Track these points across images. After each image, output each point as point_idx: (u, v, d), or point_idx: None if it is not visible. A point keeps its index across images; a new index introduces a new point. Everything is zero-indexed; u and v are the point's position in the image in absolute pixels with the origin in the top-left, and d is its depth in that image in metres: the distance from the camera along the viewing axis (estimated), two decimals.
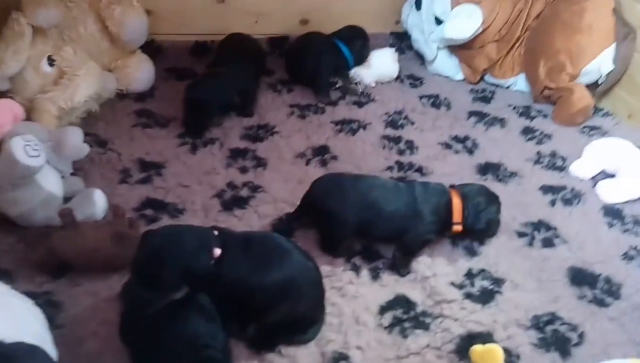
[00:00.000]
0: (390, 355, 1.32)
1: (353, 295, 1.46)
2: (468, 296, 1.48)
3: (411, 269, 1.54)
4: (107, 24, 2.06)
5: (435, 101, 2.36)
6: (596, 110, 2.34)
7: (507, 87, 2.52)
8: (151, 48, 2.33)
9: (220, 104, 2.04)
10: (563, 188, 1.90)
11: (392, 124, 2.18)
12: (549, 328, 1.41)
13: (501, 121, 2.25)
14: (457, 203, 1.56)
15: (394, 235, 1.55)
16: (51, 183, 1.53)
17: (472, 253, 1.62)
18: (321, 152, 1.97)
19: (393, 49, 2.49)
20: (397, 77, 2.47)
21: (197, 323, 1.17)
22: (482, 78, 2.54)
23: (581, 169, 1.95)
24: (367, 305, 1.43)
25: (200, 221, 1.61)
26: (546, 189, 1.89)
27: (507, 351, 1.33)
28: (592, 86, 2.34)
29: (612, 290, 1.53)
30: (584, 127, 2.26)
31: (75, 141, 1.63)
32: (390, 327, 1.38)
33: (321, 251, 1.56)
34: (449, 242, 1.64)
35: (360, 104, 2.29)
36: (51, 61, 1.90)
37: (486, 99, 2.42)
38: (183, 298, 1.20)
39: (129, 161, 1.84)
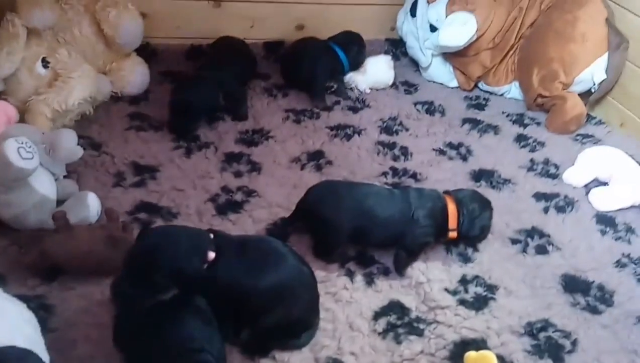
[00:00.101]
0: (384, 361, 1.31)
1: (347, 300, 1.45)
2: (462, 302, 1.48)
3: (406, 274, 1.54)
4: (102, 26, 2.05)
5: (430, 108, 2.36)
6: (589, 118, 2.36)
7: (501, 95, 2.53)
8: (146, 51, 2.32)
9: (204, 107, 2.03)
10: (556, 195, 1.91)
11: (387, 130, 2.18)
12: (542, 335, 1.41)
13: (495, 128, 2.27)
14: (452, 209, 1.56)
15: (390, 241, 1.56)
16: (44, 185, 1.52)
17: (466, 259, 1.62)
18: (316, 157, 1.97)
19: (389, 57, 2.49)
20: (393, 84, 2.48)
21: (194, 325, 1.16)
22: (476, 85, 2.56)
23: (574, 176, 1.96)
24: (361, 310, 1.43)
25: (194, 226, 1.60)
26: (539, 196, 1.90)
27: (500, 358, 1.33)
28: (585, 95, 2.36)
29: (605, 298, 1.54)
30: (577, 135, 2.27)
31: (69, 144, 1.61)
32: (384, 333, 1.38)
33: (315, 257, 1.56)
34: (443, 248, 1.64)
35: (355, 110, 2.29)
36: (45, 63, 1.90)
37: (480, 106, 2.44)
38: (180, 299, 1.20)
39: (123, 164, 1.83)
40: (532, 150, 2.16)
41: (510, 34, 2.41)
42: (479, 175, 1.97)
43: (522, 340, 1.40)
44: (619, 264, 1.66)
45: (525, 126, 2.31)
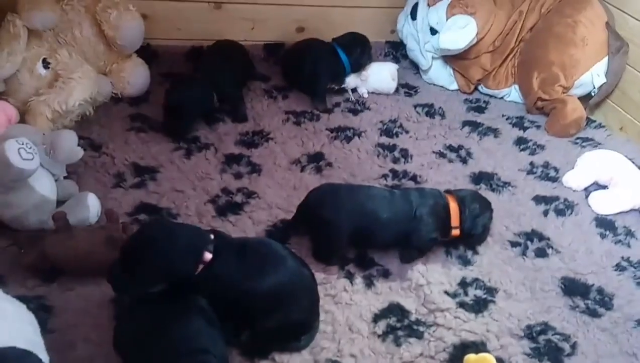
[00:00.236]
0: None
1: (347, 302, 1.45)
2: (461, 305, 1.48)
3: (406, 276, 1.55)
4: (103, 27, 2.05)
5: (430, 110, 2.37)
6: (589, 122, 2.37)
7: (501, 98, 2.53)
8: (147, 52, 2.32)
9: (198, 108, 2.03)
10: (556, 198, 1.91)
11: (387, 132, 2.18)
12: (541, 338, 1.42)
13: (495, 131, 2.27)
14: (454, 207, 1.57)
15: (394, 241, 1.58)
16: (45, 186, 1.52)
17: (465, 262, 1.62)
18: (316, 159, 1.97)
19: (395, 66, 2.46)
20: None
21: (199, 325, 1.16)
22: (476, 88, 2.56)
23: (574, 180, 1.97)
24: (360, 312, 1.43)
25: None
26: (539, 199, 1.90)
27: (500, 360, 1.34)
28: (585, 98, 2.37)
29: (605, 301, 1.54)
30: (577, 138, 2.28)
31: (70, 145, 1.61)
32: (383, 335, 1.38)
33: (315, 260, 1.56)
34: (443, 251, 1.64)
35: (355, 112, 2.30)
36: (46, 64, 1.90)
37: (480, 109, 2.44)
38: (184, 299, 1.20)
39: (123, 165, 1.83)
40: (532, 153, 2.16)
41: (510, 38, 2.42)
42: (479, 178, 1.97)
43: (521, 343, 1.40)
44: (619, 267, 1.66)
45: (525, 129, 2.32)
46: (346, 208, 1.53)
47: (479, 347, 1.37)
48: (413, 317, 1.43)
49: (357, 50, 2.36)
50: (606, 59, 2.29)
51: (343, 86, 2.38)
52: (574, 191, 1.96)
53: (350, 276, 1.53)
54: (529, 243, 1.71)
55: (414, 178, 1.93)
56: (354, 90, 2.42)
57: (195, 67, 2.29)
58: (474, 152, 2.12)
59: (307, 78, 2.32)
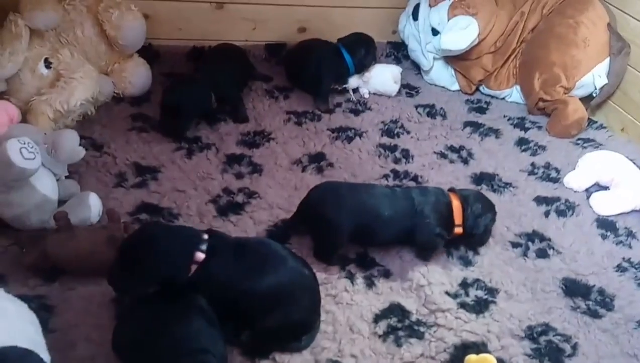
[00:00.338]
0: None
1: (348, 302, 1.45)
2: (462, 305, 1.48)
3: (406, 276, 1.55)
4: (104, 27, 2.05)
5: (431, 111, 2.37)
6: (590, 123, 2.37)
7: (502, 99, 2.53)
8: (148, 52, 2.32)
9: (196, 108, 2.03)
10: (557, 199, 1.91)
11: (388, 132, 2.18)
12: (542, 338, 1.41)
13: (496, 132, 2.27)
14: (456, 205, 1.58)
15: (397, 239, 1.59)
16: (46, 185, 1.52)
17: (466, 262, 1.62)
18: (317, 159, 1.97)
19: (399, 69, 2.45)
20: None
21: (199, 325, 1.16)
22: (477, 89, 2.56)
23: (575, 181, 1.97)
24: (361, 313, 1.43)
25: (195, 227, 1.60)
26: (540, 200, 1.90)
27: (501, 361, 1.33)
28: (587, 99, 2.36)
29: (606, 302, 1.54)
30: (578, 139, 2.28)
31: (71, 144, 1.61)
32: (384, 336, 1.38)
33: (315, 258, 1.56)
34: (444, 251, 1.64)
35: (356, 113, 2.30)
36: (48, 63, 1.90)
37: (481, 110, 2.44)
38: (184, 299, 1.20)
39: (125, 165, 1.83)
40: (533, 154, 2.16)
41: (512, 38, 2.42)
42: (480, 178, 1.97)
43: (522, 344, 1.40)
44: (620, 268, 1.66)
45: (526, 129, 2.32)
46: (347, 206, 1.53)
47: (479, 347, 1.37)
48: (414, 317, 1.43)
49: (361, 51, 2.35)
50: (608, 60, 2.29)
51: (345, 86, 2.38)
52: (575, 192, 1.96)
53: (351, 277, 1.53)
54: (530, 243, 1.71)
55: (415, 179, 1.93)
56: (355, 90, 2.42)
57: (196, 68, 2.30)
58: (475, 153, 2.12)
59: (310, 78, 2.32)
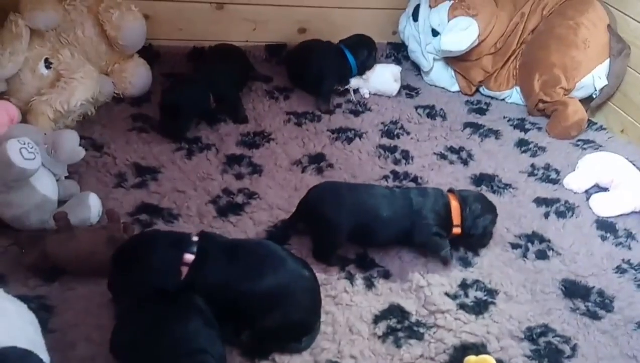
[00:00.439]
0: None
1: (347, 303, 1.45)
2: (462, 306, 1.48)
3: (406, 277, 1.55)
4: (105, 27, 2.05)
5: (431, 112, 2.37)
6: (590, 124, 2.37)
7: (502, 100, 2.54)
8: (149, 53, 2.32)
9: (194, 108, 2.03)
10: (557, 200, 1.91)
11: (388, 133, 2.19)
12: (542, 340, 1.41)
13: (496, 133, 2.27)
14: (455, 205, 1.58)
15: (396, 239, 1.59)
16: (46, 186, 1.52)
17: (466, 263, 1.62)
18: (317, 160, 1.97)
19: (398, 68, 2.46)
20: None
21: (197, 325, 1.16)
22: (477, 90, 2.56)
23: (575, 182, 1.97)
24: (361, 314, 1.43)
25: (194, 227, 1.61)
26: (540, 201, 1.90)
27: (500, 362, 1.33)
28: (586, 100, 2.37)
29: (605, 303, 1.54)
30: (578, 140, 2.28)
31: (71, 144, 1.62)
32: (384, 336, 1.38)
33: (314, 258, 1.56)
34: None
35: (356, 113, 2.30)
36: (48, 64, 1.90)
37: (481, 111, 2.44)
38: (182, 299, 1.21)
39: (125, 165, 1.83)
40: (533, 155, 2.16)
41: (512, 39, 2.42)
42: (480, 180, 1.97)
43: (521, 345, 1.40)
44: (619, 270, 1.66)
45: (526, 131, 2.32)
46: (346, 205, 1.54)
47: (479, 348, 1.37)
48: (413, 318, 1.43)
49: (364, 52, 2.36)
50: (608, 61, 2.29)
51: (347, 87, 2.38)
52: (575, 193, 1.96)
53: (350, 277, 1.53)
54: (529, 245, 1.71)
55: (414, 180, 1.93)
56: (356, 91, 2.42)
57: (195, 68, 2.30)
58: (475, 154, 2.12)
59: (313, 78, 2.32)
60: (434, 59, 2.52)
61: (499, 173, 2.02)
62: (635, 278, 1.64)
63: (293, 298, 1.28)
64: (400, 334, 1.39)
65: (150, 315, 1.18)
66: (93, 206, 1.56)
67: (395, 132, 2.19)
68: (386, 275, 1.55)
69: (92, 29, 2.06)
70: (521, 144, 2.22)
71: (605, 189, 1.96)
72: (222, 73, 2.16)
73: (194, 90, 2.03)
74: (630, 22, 2.28)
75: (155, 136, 1.99)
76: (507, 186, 1.96)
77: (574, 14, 2.30)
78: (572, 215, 1.86)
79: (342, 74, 2.36)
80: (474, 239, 1.62)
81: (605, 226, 1.83)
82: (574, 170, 2.02)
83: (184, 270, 1.23)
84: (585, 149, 2.22)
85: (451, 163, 2.06)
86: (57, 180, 1.59)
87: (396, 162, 2.02)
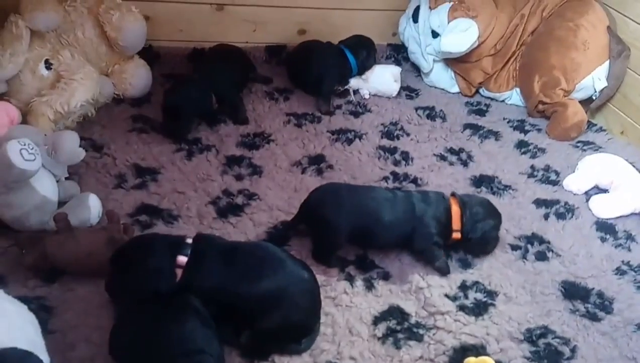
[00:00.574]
0: None
1: (347, 305, 1.45)
2: (462, 308, 1.48)
3: (406, 279, 1.55)
4: (105, 29, 2.05)
5: (431, 113, 2.37)
6: (590, 125, 2.37)
7: (502, 101, 2.54)
8: (149, 54, 2.32)
9: (196, 109, 2.03)
10: (556, 202, 1.91)
11: (388, 134, 2.19)
12: (541, 341, 1.41)
13: (496, 134, 2.27)
14: (455, 210, 1.58)
15: (396, 243, 1.59)
16: (46, 187, 1.52)
17: (466, 265, 1.62)
18: (317, 161, 1.97)
19: (398, 69, 2.46)
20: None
21: (194, 326, 1.16)
22: (477, 91, 2.57)
23: (574, 183, 1.97)
24: (361, 315, 1.43)
25: (194, 228, 1.61)
26: (540, 202, 1.91)
27: None
28: (586, 102, 2.37)
29: (605, 305, 1.54)
30: (578, 142, 2.28)
31: (71, 145, 1.61)
32: (383, 338, 1.38)
33: (313, 259, 1.56)
34: (444, 254, 1.64)
35: (356, 114, 2.30)
36: (48, 65, 1.90)
37: (481, 112, 2.44)
38: (179, 300, 1.21)
39: (125, 166, 1.83)
40: (533, 156, 2.16)
41: (511, 41, 2.42)
42: (480, 181, 1.97)
43: (521, 347, 1.40)
44: (619, 271, 1.66)
45: (526, 132, 2.32)
46: (346, 206, 1.54)
47: (478, 350, 1.37)
48: (413, 320, 1.43)
49: (363, 53, 2.37)
50: (607, 62, 2.29)
51: (347, 87, 2.38)
52: (575, 194, 1.96)
53: (350, 279, 1.53)
54: (529, 246, 1.71)
55: (414, 181, 1.93)
56: (356, 91, 2.42)
57: (195, 69, 2.30)
58: (475, 155, 2.12)
59: (314, 79, 2.32)
60: (434, 61, 2.52)
61: (499, 174, 2.02)
62: (635, 279, 1.64)
63: (292, 299, 1.28)
64: (400, 335, 1.39)
65: (148, 317, 1.19)
66: (93, 207, 1.56)
67: (395, 134, 2.19)
68: (386, 277, 1.55)
69: (93, 30, 2.06)
70: (521, 145, 2.22)
71: (605, 191, 1.96)
72: (223, 74, 2.16)
73: (196, 91, 2.03)
74: (630, 23, 2.28)
75: (155, 137, 1.99)
76: (507, 187, 1.96)
77: (574, 16, 2.31)
78: (571, 217, 1.86)
79: (343, 74, 2.36)
80: (473, 243, 1.61)
81: (605, 227, 1.83)
82: (573, 171, 2.02)
83: (179, 272, 1.23)
84: (585, 150, 2.22)
85: (451, 164, 2.06)
86: (57, 181, 1.59)
87: (396, 163, 2.02)
